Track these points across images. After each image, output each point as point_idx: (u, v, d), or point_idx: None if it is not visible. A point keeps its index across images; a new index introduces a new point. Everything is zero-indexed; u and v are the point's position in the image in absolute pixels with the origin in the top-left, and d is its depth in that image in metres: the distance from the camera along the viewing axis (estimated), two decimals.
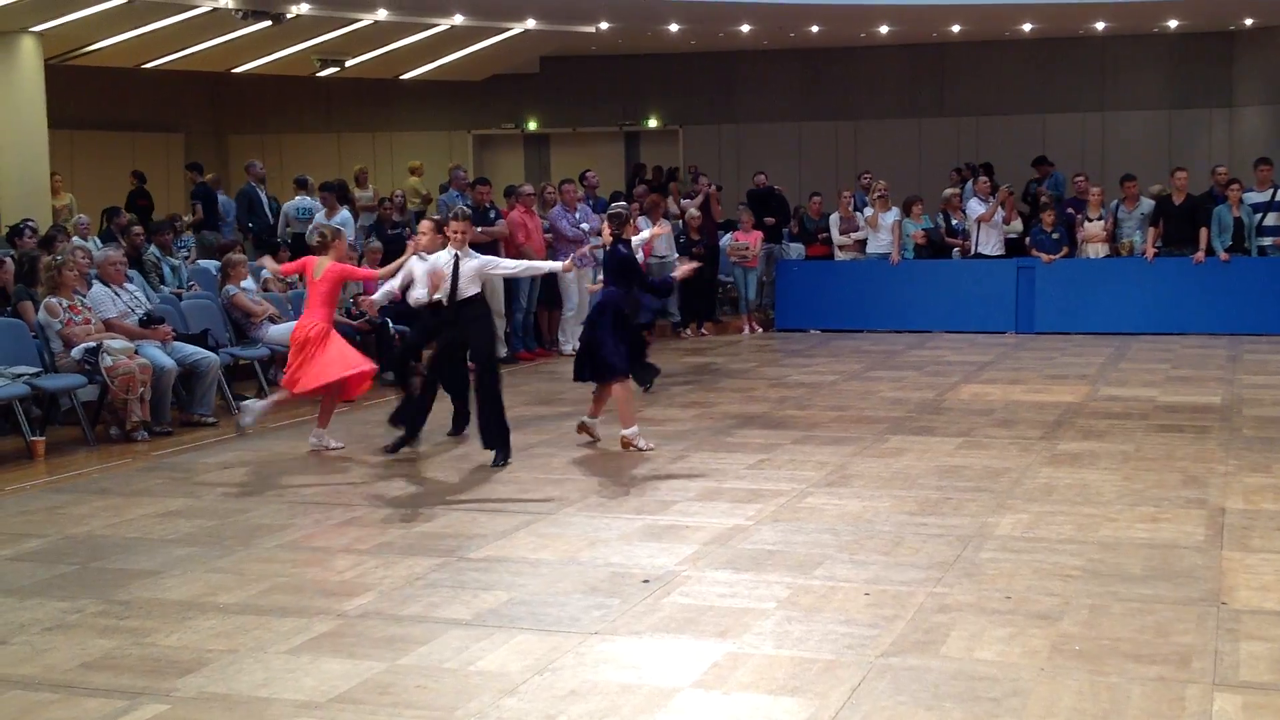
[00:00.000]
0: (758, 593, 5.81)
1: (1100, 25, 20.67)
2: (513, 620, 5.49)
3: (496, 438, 8.75)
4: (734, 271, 17.39)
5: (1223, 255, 15.39)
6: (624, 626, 5.40)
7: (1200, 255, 15.44)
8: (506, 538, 6.85)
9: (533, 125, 24.86)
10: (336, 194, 15.87)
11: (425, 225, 9.76)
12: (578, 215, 14.78)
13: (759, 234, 17.00)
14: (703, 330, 16.81)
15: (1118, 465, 8.32)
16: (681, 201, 17.67)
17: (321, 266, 9.29)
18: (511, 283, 14.49)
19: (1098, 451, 8.77)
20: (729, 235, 17.60)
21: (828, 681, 4.76)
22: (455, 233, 8.90)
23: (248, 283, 12.30)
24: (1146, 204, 16.11)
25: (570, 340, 14.22)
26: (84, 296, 10.47)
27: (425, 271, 9.13)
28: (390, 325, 13.01)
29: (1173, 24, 20.53)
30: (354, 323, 12.65)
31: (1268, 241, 15.50)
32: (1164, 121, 22.08)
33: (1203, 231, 15.47)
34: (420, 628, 5.43)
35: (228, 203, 17.71)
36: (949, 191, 17.67)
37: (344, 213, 15.62)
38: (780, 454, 8.90)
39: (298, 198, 16.79)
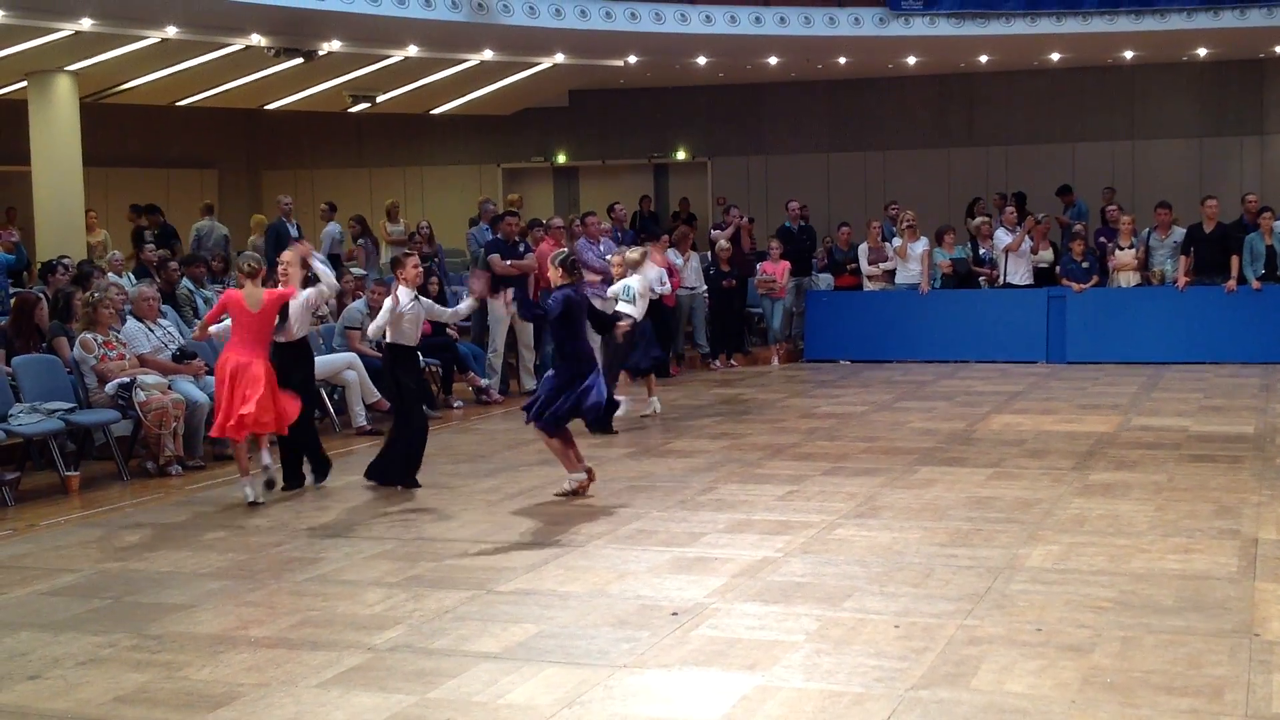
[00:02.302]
0: (787, 625, 5.80)
1: (1129, 54, 20.66)
2: (542, 653, 5.50)
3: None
4: (762, 303, 17.41)
5: (1255, 284, 15.30)
6: (653, 659, 5.40)
7: (1232, 284, 15.36)
8: (535, 571, 6.86)
9: (562, 158, 24.99)
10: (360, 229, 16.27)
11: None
12: (602, 248, 14.82)
13: (786, 265, 17.02)
14: (732, 361, 16.82)
15: (1150, 496, 8.26)
16: (711, 233, 17.69)
17: (256, 297, 8.90)
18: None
19: (1130, 482, 8.71)
20: (757, 267, 17.61)
21: (857, 715, 4.74)
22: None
23: None
24: (1179, 232, 16.05)
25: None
26: (118, 332, 10.58)
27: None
28: (420, 358, 13.06)
29: (1202, 52, 20.49)
30: (380, 355, 12.71)
31: None
32: (1194, 150, 22.01)
33: (1234, 260, 15.39)
34: (450, 661, 5.45)
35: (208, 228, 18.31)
36: (979, 220, 17.64)
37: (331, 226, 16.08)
38: (810, 485, 8.88)
39: (330, 224, 17.09)
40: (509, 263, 14.01)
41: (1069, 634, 5.55)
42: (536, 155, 24.99)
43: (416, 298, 9.26)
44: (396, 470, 9.24)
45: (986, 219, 17.48)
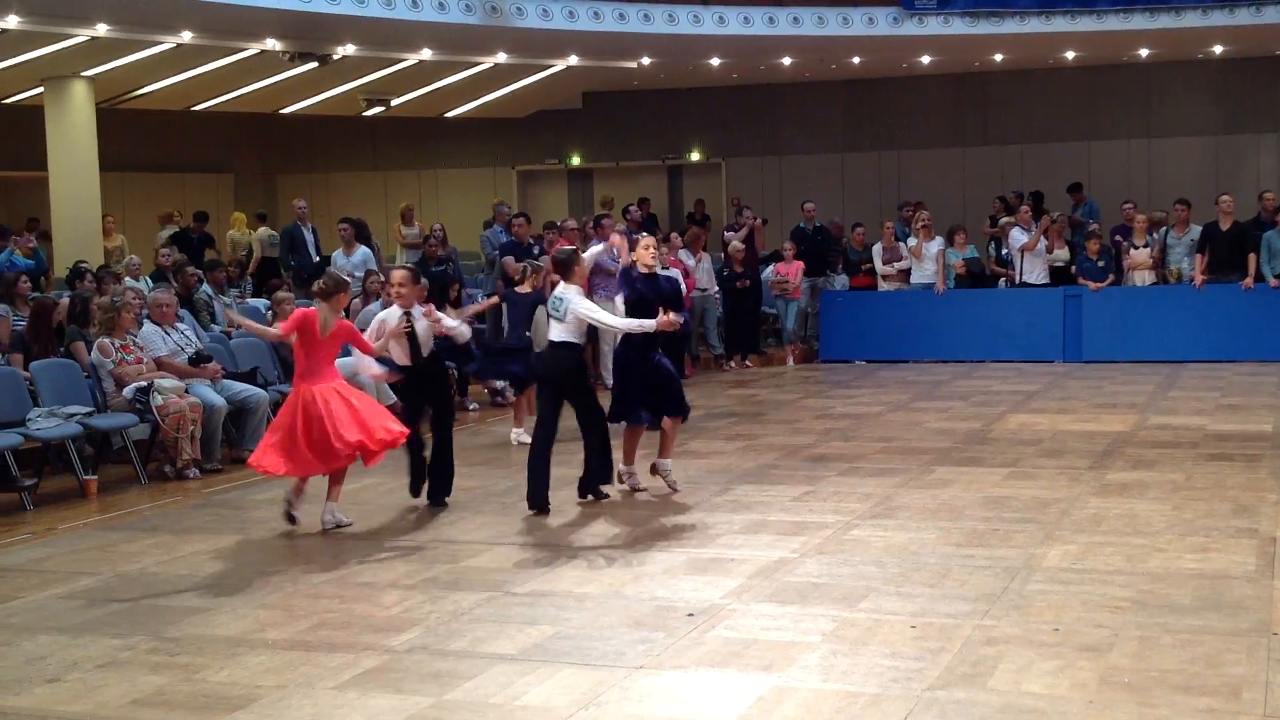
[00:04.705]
0: (803, 626, 5.80)
1: (1144, 52, 20.60)
2: (558, 655, 5.50)
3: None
4: (776, 303, 17.41)
5: (1272, 281, 15.24)
6: (669, 661, 5.40)
7: (1249, 281, 15.31)
8: (551, 572, 6.87)
9: (576, 160, 25.01)
10: (356, 231, 15.86)
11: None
12: (615, 249, 14.80)
13: (799, 265, 17.02)
14: (747, 362, 16.81)
15: (1167, 495, 8.24)
16: (725, 234, 17.69)
17: (329, 323, 8.09)
18: None
19: (1147, 481, 8.69)
20: (770, 267, 17.63)
21: (874, 715, 4.73)
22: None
23: None
24: (1195, 230, 16.00)
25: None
26: (135, 336, 10.62)
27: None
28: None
29: (1218, 49, 20.41)
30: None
31: None
32: (1211, 147, 21.92)
33: (1251, 257, 15.34)
34: (466, 663, 5.45)
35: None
36: (1005, 220, 17.59)
37: (362, 250, 15.71)
38: (825, 486, 8.88)
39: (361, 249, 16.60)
40: (520, 263, 14.00)
41: (1086, 634, 5.53)
42: (550, 157, 25.02)
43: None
44: (600, 476, 8.67)
45: (1012, 220, 17.39)
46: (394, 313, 8.63)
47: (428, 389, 8.73)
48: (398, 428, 8.13)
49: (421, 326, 8.56)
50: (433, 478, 8.72)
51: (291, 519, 8.15)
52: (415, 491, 8.81)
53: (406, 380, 8.70)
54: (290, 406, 8.04)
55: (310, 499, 8.24)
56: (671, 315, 8.22)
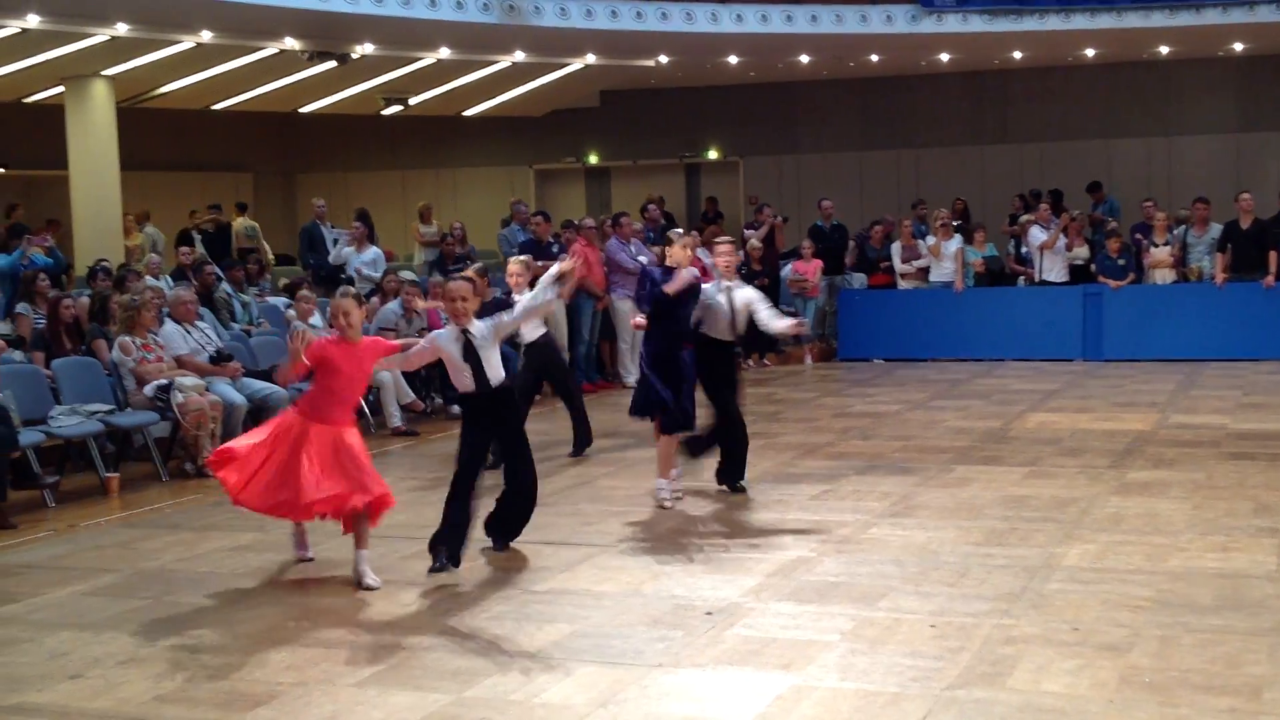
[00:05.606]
0: (821, 625, 5.80)
1: (1164, 49, 20.50)
2: (577, 653, 5.51)
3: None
4: (794, 301, 17.38)
5: None
6: (687, 659, 5.40)
7: (1270, 279, 15.23)
8: (570, 570, 6.88)
9: (593, 159, 25.02)
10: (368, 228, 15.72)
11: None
12: (633, 248, 14.83)
13: (818, 263, 17.00)
14: (765, 361, 16.79)
15: (1188, 494, 8.21)
16: (745, 231, 17.68)
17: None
18: (574, 315, 14.52)
19: (1167, 480, 8.65)
20: (789, 266, 17.61)
21: (893, 715, 4.73)
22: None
23: (315, 319, 12.46)
24: (1216, 228, 15.93)
25: (631, 372, 14.24)
26: (156, 334, 10.67)
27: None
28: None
29: (1238, 47, 20.32)
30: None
31: None
32: (1231, 145, 21.81)
33: (1272, 255, 15.26)
34: (486, 660, 5.47)
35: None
36: (1025, 217, 17.54)
37: (374, 250, 15.63)
38: (844, 485, 8.87)
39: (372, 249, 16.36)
40: (540, 263, 14.02)
41: (1106, 633, 5.52)
42: (568, 156, 25.03)
43: (729, 289, 8.62)
44: (734, 470, 8.67)
45: (1031, 218, 17.33)
46: (448, 333, 7.03)
47: (496, 421, 7.06)
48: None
49: (485, 338, 6.93)
50: (503, 517, 7.37)
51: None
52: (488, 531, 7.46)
53: (471, 411, 7.07)
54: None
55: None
56: (640, 319, 8.44)
